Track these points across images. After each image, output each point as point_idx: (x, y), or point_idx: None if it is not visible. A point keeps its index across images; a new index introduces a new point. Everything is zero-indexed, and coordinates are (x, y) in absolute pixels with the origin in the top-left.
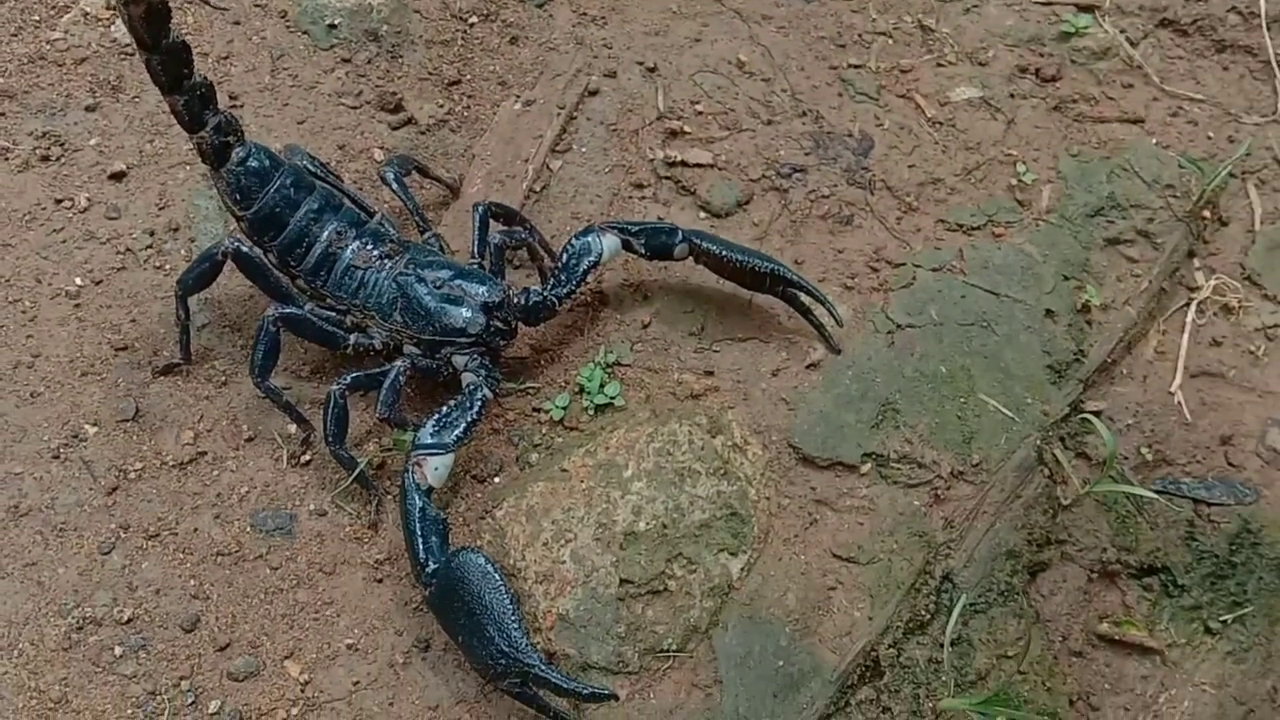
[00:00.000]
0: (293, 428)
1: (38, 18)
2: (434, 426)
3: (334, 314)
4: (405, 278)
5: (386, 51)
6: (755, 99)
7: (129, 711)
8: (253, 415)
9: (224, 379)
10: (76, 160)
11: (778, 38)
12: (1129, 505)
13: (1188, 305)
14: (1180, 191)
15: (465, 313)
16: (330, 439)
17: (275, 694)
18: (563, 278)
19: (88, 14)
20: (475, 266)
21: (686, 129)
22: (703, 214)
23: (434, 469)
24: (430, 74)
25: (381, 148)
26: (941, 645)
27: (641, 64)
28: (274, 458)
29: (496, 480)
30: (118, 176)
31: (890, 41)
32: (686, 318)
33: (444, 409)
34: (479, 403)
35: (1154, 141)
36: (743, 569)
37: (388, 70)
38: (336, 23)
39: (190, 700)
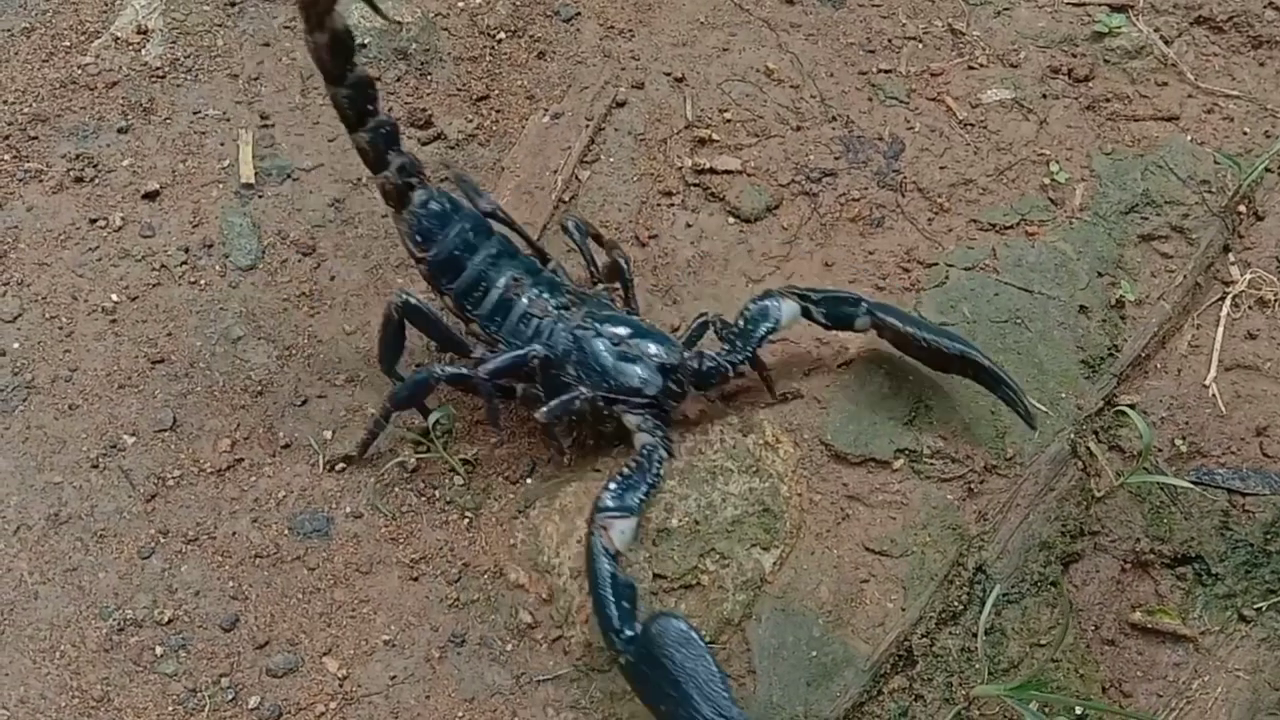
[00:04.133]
0: (329, 434)
1: (68, 44)
2: (616, 489)
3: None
4: (583, 331)
5: (415, 69)
6: (784, 106)
7: (170, 709)
8: (289, 423)
9: (260, 389)
10: (110, 181)
11: (806, 45)
12: (1163, 496)
13: (1223, 299)
14: (1215, 187)
15: (642, 373)
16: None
17: (314, 689)
18: (738, 343)
19: (118, 39)
20: (652, 326)
21: (715, 137)
22: (731, 219)
23: (620, 532)
24: (459, 90)
25: None
26: (974, 635)
27: (669, 74)
28: (310, 463)
29: (529, 481)
30: (151, 196)
31: (920, 46)
32: None
33: (624, 471)
34: (658, 464)
35: (1189, 138)
36: (775, 563)
37: (417, 87)
38: (366, 42)
39: (230, 696)
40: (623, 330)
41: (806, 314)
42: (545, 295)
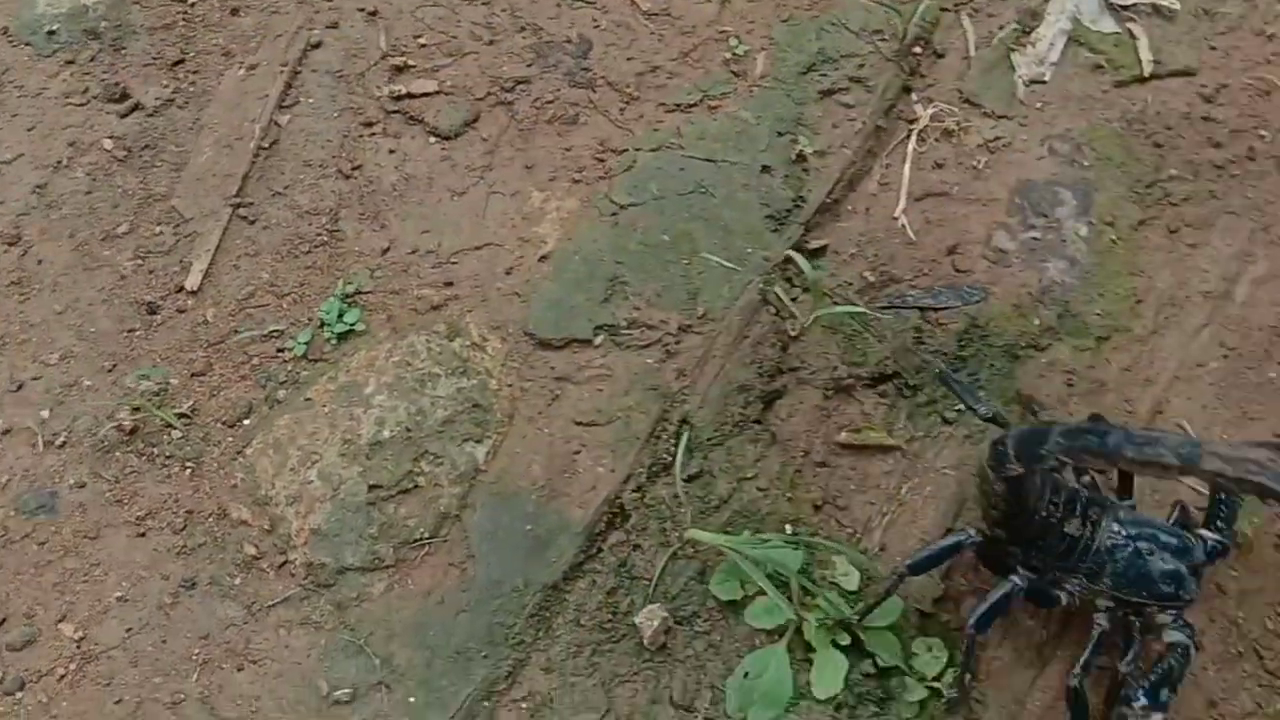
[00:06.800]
0: (46, 413)
1: None
2: (1150, 688)
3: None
4: (1115, 542)
5: (109, 46)
6: (476, 23)
7: None
8: (6, 409)
9: None
10: None
11: None
12: (855, 325)
13: (908, 137)
14: (888, 34)
15: (1183, 579)
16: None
17: (53, 655)
18: (1227, 524)
19: None
20: (1166, 524)
21: (411, 63)
22: (432, 139)
23: None
24: (154, 59)
25: (111, 137)
26: (683, 482)
27: (362, 10)
28: (30, 444)
29: (246, 422)
30: None
31: None
32: (425, 238)
33: (1159, 671)
34: (1189, 661)
35: None
36: (488, 453)
37: (112, 63)
38: (55, 29)
39: None
40: (1154, 535)
41: None
42: (1074, 511)
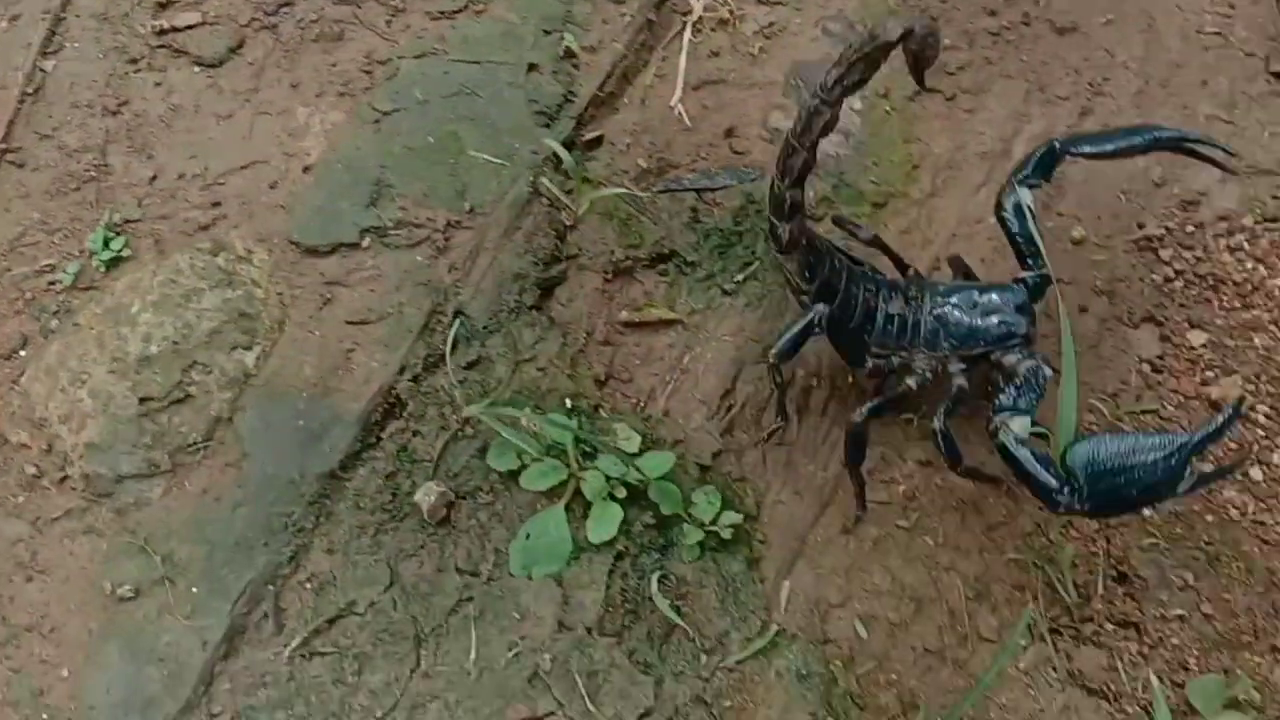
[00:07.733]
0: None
1: None
2: (1009, 397)
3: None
4: (940, 310)
5: None
6: None
7: None
8: None
9: None
10: None
11: None
12: (630, 209)
13: (683, 29)
14: None
15: (1008, 319)
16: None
17: None
18: (1031, 250)
19: None
20: (988, 281)
21: None
22: (197, 68)
23: (1019, 425)
24: None
25: None
26: (459, 368)
27: None
28: None
29: (22, 354)
30: None
31: None
32: (191, 163)
33: (1016, 384)
34: (1043, 379)
35: None
36: (258, 358)
37: None
38: None
39: None
40: (971, 294)
41: (1041, 183)
42: (895, 294)
